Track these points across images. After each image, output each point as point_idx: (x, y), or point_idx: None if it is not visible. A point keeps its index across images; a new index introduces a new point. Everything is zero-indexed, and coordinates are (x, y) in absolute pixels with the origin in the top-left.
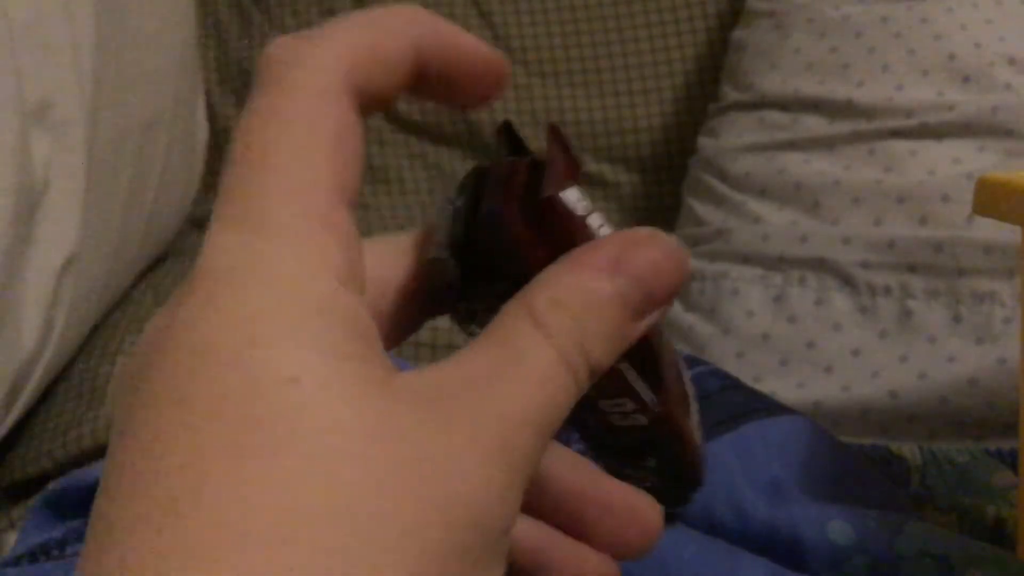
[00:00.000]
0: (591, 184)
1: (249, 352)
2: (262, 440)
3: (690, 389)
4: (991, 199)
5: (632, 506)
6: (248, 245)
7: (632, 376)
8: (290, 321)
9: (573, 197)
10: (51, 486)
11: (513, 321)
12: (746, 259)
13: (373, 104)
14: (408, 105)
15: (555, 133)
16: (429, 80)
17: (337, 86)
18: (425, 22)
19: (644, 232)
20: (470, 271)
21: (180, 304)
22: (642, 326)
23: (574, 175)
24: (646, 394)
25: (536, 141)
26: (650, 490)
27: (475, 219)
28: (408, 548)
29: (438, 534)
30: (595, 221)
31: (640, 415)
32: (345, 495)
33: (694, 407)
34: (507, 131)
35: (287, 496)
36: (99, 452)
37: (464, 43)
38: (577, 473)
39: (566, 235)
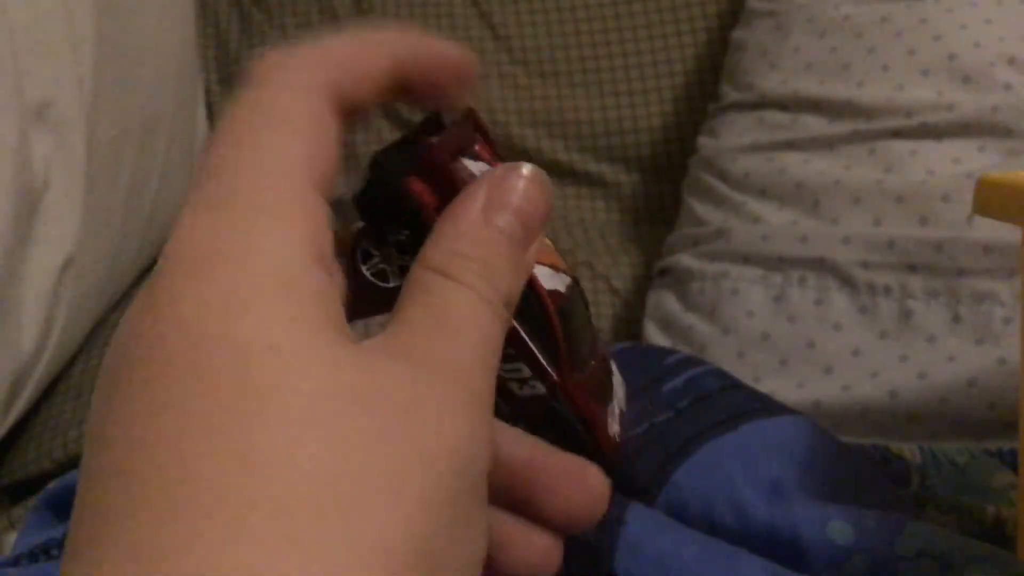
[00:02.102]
0: (591, 184)
1: (234, 326)
2: (255, 408)
3: (618, 386)
4: (991, 199)
5: (579, 469)
6: (226, 224)
7: (527, 337)
8: (269, 296)
9: (447, 152)
10: (51, 486)
11: (425, 281)
12: (746, 259)
13: (353, 110)
14: (408, 105)
15: (469, 113)
16: (408, 89)
17: (316, 86)
18: (405, 39)
19: (506, 168)
20: (371, 218)
21: (160, 286)
22: (531, 254)
23: (468, 145)
24: (543, 356)
25: (534, 140)
26: None
27: (373, 176)
28: (405, 500)
29: (429, 483)
30: (472, 167)
31: (538, 383)
32: (342, 455)
33: (617, 401)
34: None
35: (289, 462)
36: None
37: (435, 53)
38: (521, 445)
39: (446, 181)
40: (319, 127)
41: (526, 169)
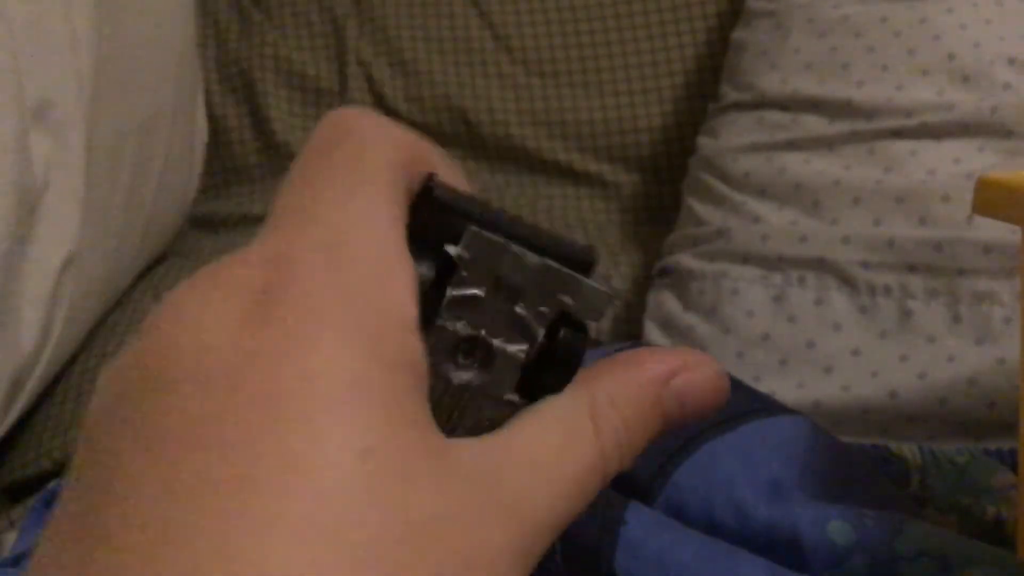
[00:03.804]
0: (591, 184)
1: (324, 416)
2: (325, 519)
3: None
4: (991, 199)
5: None
6: (340, 274)
7: None
8: (369, 381)
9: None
10: (51, 486)
11: (574, 404)
12: (746, 259)
13: None
14: (408, 105)
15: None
16: None
17: (396, 165)
18: (440, 156)
19: (702, 357)
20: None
21: (263, 323)
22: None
23: None
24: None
25: (534, 140)
26: None
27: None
28: None
29: None
30: None
31: None
32: None
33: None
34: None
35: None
36: None
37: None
38: None
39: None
40: (400, 199)
41: (716, 367)
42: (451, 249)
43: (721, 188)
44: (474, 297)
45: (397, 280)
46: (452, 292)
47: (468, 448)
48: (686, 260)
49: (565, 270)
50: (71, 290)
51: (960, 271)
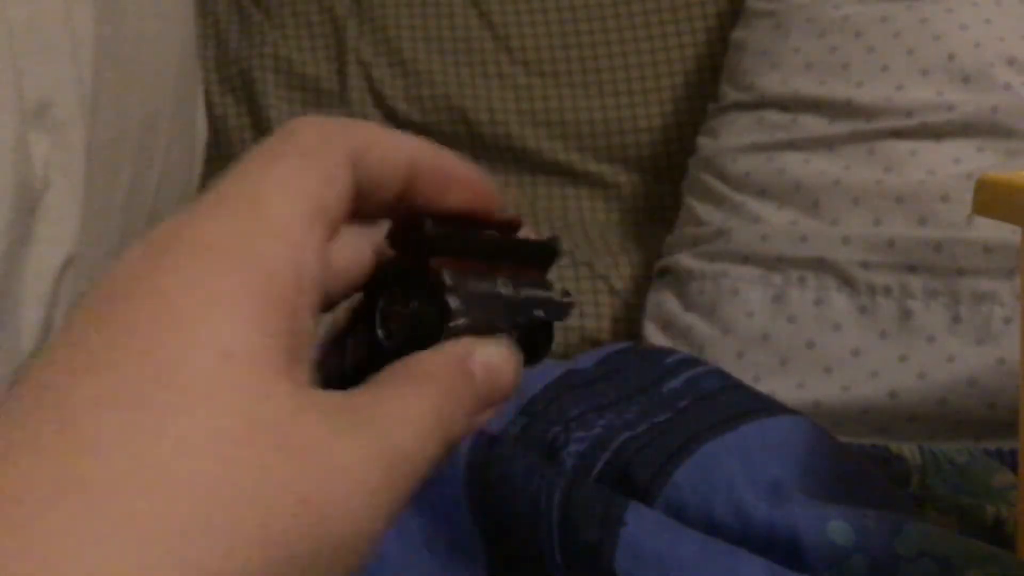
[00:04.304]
0: (591, 184)
1: (203, 325)
2: (168, 401)
3: None
4: (991, 199)
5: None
6: (242, 225)
7: None
8: (254, 305)
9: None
10: None
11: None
12: (746, 259)
13: (370, 202)
14: (407, 105)
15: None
16: (425, 194)
17: (340, 144)
18: (424, 148)
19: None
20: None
21: (167, 245)
22: (485, 416)
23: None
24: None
25: (534, 140)
26: None
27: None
28: (257, 536)
29: (295, 537)
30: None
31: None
32: (225, 476)
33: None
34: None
35: (171, 459)
36: None
37: (457, 171)
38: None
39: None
40: (333, 174)
41: (505, 348)
42: (451, 301)
43: (721, 188)
44: (465, 324)
45: (303, 248)
46: (449, 325)
47: (324, 394)
48: (686, 260)
49: (541, 294)
50: (71, 290)
51: (960, 271)
